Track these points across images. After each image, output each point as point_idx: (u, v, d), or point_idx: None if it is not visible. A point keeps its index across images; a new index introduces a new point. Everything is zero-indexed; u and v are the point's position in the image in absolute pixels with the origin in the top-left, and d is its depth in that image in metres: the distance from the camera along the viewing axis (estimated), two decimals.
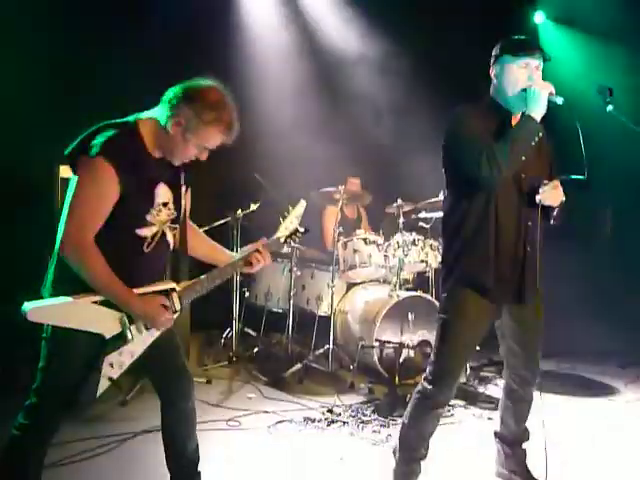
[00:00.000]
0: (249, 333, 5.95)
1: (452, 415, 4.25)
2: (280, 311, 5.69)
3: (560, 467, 3.32)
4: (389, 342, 4.90)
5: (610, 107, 2.82)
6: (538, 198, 2.78)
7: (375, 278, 5.66)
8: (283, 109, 6.54)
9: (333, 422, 4.10)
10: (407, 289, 5.36)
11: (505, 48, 2.83)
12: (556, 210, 2.87)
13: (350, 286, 5.82)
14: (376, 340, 4.87)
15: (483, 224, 2.81)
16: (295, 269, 5.52)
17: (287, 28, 6.90)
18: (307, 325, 5.65)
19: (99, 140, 2.24)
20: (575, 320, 6.47)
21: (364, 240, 5.36)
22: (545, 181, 2.80)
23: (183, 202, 2.54)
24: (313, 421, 4.11)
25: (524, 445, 3.19)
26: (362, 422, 4.09)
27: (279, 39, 6.88)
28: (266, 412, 4.28)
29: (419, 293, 5.13)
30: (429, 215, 5.48)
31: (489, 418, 4.16)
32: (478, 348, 3.31)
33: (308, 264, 5.73)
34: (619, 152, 5.93)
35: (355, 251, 5.35)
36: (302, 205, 2.86)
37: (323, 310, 5.46)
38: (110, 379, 2.34)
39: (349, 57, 6.94)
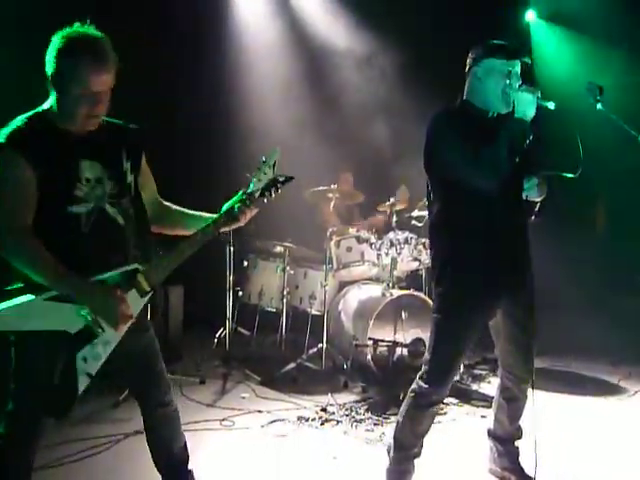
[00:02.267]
0: (242, 332, 5.94)
1: (445, 413, 4.25)
2: (273, 310, 5.67)
3: (553, 465, 3.33)
4: (382, 341, 4.91)
5: (599, 105, 2.83)
6: (524, 194, 2.82)
7: (368, 277, 5.65)
8: (274, 108, 6.54)
9: (327, 421, 4.10)
10: (400, 287, 5.36)
11: (490, 51, 2.85)
12: (538, 205, 2.91)
13: (343, 285, 5.82)
14: (369, 339, 4.87)
15: (475, 224, 2.83)
16: (288, 268, 5.51)
17: (277, 26, 6.91)
18: (300, 324, 5.65)
19: (3, 131, 2.23)
20: (568, 317, 6.51)
21: (357, 238, 5.36)
22: (528, 177, 2.84)
23: (130, 179, 2.47)
24: (307, 420, 4.11)
25: (517, 443, 3.20)
26: (356, 421, 4.09)
27: (269, 37, 6.87)
28: (260, 411, 4.28)
29: (412, 292, 5.14)
30: (422, 213, 5.48)
31: (482, 416, 4.16)
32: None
33: (301, 263, 5.72)
34: (612, 150, 5.96)
35: (348, 249, 5.35)
36: (276, 152, 2.57)
37: (316, 309, 5.45)
38: (89, 375, 2.26)
39: (341, 55, 6.94)
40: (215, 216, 2.53)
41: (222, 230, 2.53)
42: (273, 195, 2.55)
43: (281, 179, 2.56)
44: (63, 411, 2.28)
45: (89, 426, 3.86)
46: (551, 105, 2.72)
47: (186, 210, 2.66)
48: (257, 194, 2.52)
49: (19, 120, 2.27)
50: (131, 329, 2.37)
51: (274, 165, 2.53)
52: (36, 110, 2.33)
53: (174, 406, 2.69)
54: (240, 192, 2.52)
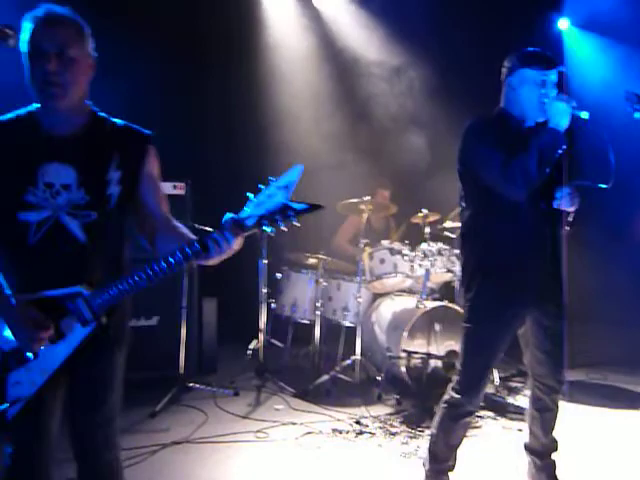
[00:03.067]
0: (276, 345, 5.97)
1: (481, 427, 4.21)
2: (307, 322, 5.69)
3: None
4: (416, 353, 4.88)
5: (638, 114, 2.81)
6: (556, 204, 2.82)
7: (401, 288, 5.65)
8: (308, 120, 6.58)
9: (361, 433, 4.09)
10: (433, 299, 5.34)
11: (524, 61, 2.86)
12: (572, 216, 2.90)
13: (376, 296, 5.81)
14: (403, 351, 4.85)
15: (505, 233, 2.84)
16: (321, 280, 5.53)
17: (309, 40, 6.95)
18: (334, 336, 5.66)
19: None
20: (606, 329, 6.40)
21: (390, 250, 5.36)
22: (561, 187, 2.84)
23: (112, 190, 2.10)
24: (341, 432, 4.10)
25: (553, 456, 3.15)
26: (390, 434, 4.08)
27: (301, 51, 6.92)
28: (294, 424, 4.28)
29: (446, 303, 5.11)
30: (455, 225, 5.46)
31: (519, 430, 4.10)
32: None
33: (334, 275, 5.73)
34: None
35: (381, 261, 5.36)
36: (296, 171, 1.89)
37: (350, 321, 5.46)
38: (16, 401, 1.94)
39: (373, 68, 6.96)
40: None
41: (193, 263, 2.02)
42: (282, 226, 1.89)
43: (297, 207, 1.85)
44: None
45: (126, 436, 3.89)
46: (585, 115, 2.71)
47: (188, 235, 2.12)
48: (251, 222, 1.89)
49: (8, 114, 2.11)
50: (81, 364, 2.05)
51: (288, 186, 1.86)
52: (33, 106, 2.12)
53: (112, 463, 2.22)
54: (228, 217, 1.93)
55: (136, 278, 1.98)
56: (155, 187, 2.23)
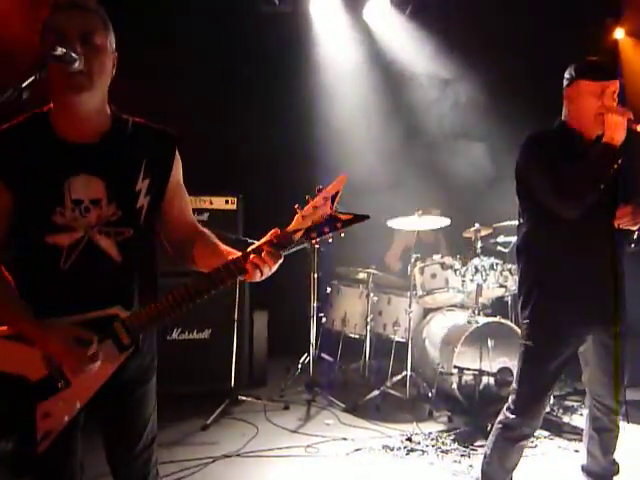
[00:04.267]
0: (326, 359, 5.96)
1: (536, 446, 4.09)
2: (357, 337, 5.67)
3: None
4: (468, 369, 4.81)
5: None
6: (616, 223, 2.73)
7: (453, 303, 5.58)
8: (359, 135, 6.58)
9: (412, 451, 4.04)
10: (486, 314, 5.26)
11: (581, 72, 2.79)
12: (636, 233, 2.81)
13: (427, 311, 5.75)
14: (455, 367, 4.79)
15: (564, 250, 2.77)
16: (372, 295, 5.51)
17: (361, 54, 6.96)
18: (384, 351, 5.62)
19: None
20: None
21: (441, 265, 5.31)
22: (620, 204, 2.76)
23: (142, 202, 1.92)
24: (392, 449, 4.06)
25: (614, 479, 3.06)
26: (442, 451, 4.01)
27: (352, 65, 6.93)
28: (344, 439, 4.26)
29: (498, 319, 5.02)
30: (507, 239, 5.38)
31: (575, 450, 3.98)
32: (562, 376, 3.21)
33: (385, 289, 5.71)
34: None
35: (432, 276, 5.31)
36: (341, 181, 1.83)
37: (400, 336, 5.41)
38: (46, 434, 1.79)
39: (424, 82, 6.93)
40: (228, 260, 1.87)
41: (229, 282, 1.86)
42: (329, 238, 1.84)
43: (344, 218, 1.80)
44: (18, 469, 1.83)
45: (177, 449, 3.94)
46: None
47: (222, 247, 2.00)
48: (297, 236, 1.82)
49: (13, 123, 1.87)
50: (114, 390, 1.90)
51: (334, 197, 1.80)
52: (40, 110, 1.89)
53: None
54: (270, 236, 1.85)
55: (180, 295, 1.83)
56: (183, 194, 2.09)
